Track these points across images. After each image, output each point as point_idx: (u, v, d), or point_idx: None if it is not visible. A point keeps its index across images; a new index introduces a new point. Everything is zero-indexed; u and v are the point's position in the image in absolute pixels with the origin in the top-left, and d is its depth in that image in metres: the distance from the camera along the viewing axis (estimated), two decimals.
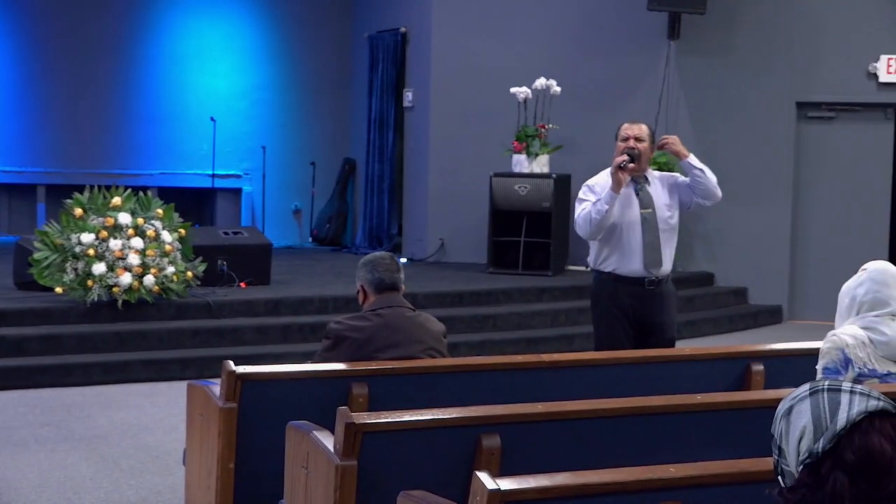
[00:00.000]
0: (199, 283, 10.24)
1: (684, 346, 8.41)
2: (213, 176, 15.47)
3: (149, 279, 9.65)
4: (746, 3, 12.91)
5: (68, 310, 9.65)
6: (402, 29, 14.25)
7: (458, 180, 13.22)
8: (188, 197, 14.71)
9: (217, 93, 15.69)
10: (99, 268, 9.47)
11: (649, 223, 6.62)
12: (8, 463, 6.95)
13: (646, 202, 6.66)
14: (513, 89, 12.53)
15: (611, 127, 12.76)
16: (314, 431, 4.12)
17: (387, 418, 3.95)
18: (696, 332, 11.72)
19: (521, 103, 12.56)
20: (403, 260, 12.90)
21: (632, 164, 6.53)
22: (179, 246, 10.05)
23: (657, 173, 6.88)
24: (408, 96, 14.17)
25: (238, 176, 15.85)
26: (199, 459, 5.17)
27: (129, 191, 10.03)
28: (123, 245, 9.60)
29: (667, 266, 6.71)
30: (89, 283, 9.49)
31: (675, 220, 6.75)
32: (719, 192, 6.73)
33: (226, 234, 11.40)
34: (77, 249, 9.53)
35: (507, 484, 3.07)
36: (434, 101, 13.54)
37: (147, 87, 15.62)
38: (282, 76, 16.03)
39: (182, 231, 10.16)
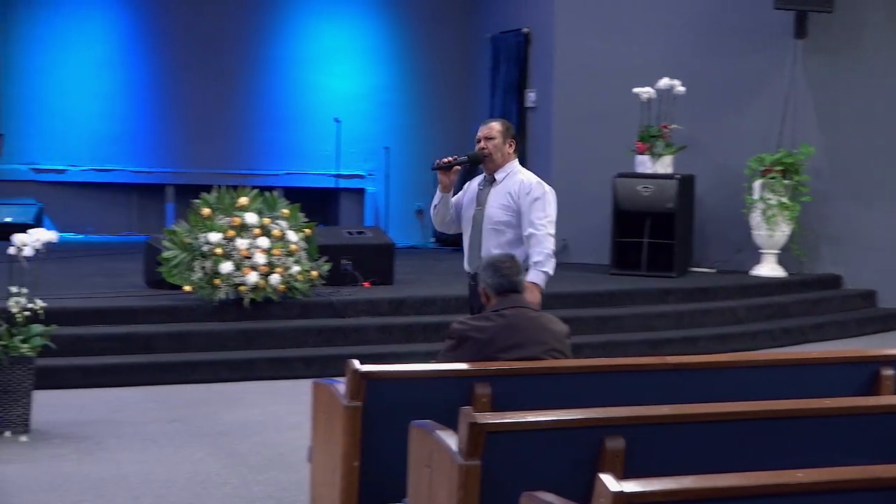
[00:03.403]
0: (323, 282, 10.34)
1: (811, 350, 8.28)
2: (337, 176, 15.63)
3: (274, 278, 9.78)
4: (874, 1, 12.66)
5: (196, 308, 9.82)
6: (525, 29, 14.23)
7: (581, 181, 13.15)
8: (313, 197, 14.84)
9: (341, 94, 15.85)
10: (226, 267, 9.62)
11: (476, 221, 6.72)
12: (137, 458, 7.09)
13: (481, 200, 6.72)
14: (636, 89, 12.43)
15: (736, 127, 12.78)
16: (437, 431, 4.13)
17: (510, 419, 3.94)
18: (824, 335, 11.53)
19: (644, 103, 12.47)
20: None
21: (444, 167, 6.60)
22: (305, 245, 10.16)
23: (518, 179, 6.68)
24: (530, 97, 14.15)
25: (361, 176, 15.99)
26: (324, 457, 5.22)
27: (255, 191, 10.16)
28: (250, 244, 9.73)
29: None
30: (216, 281, 9.64)
31: (504, 220, 6.63)
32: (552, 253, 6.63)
33: (350, 233, 11.49)
34: (205, 248, 9.69)
35: (631, 486, 3.05)
36: (556, 101, 13.50)
37: (273, 88, 15.84)
38: (405, 77, 16.13)
39: (307, 231, 10.26)
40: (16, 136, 15.35)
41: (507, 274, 5.33)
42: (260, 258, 9.73)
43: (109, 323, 9.63)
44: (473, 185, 6.84)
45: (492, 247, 6.57)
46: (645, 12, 13.23)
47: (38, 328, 7.63)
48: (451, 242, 15.53)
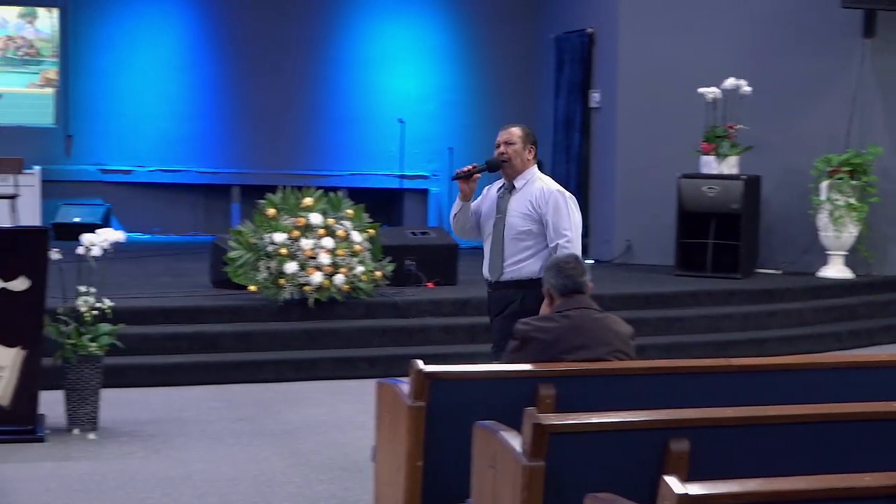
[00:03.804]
0: (387, 282, 10.37)
1: (879, 353, 8.19)
2: (401, 177, 15.67)
3: (339, 278, 9.82)
4: None
5: (261, 307, 9.88)
6: (589, 29, 14.19)
7: (645, 181, 13.10)
8: (377, 198, 14.89)
9: (405, 95, 15.89)
10: (291, 267, 9.67)
11: (497, 230, 6.61)
12: (203, 456, 7.15)
13: (501, 208, 6.62)
14: (701, 89, 12.36)
15: (803, 127, 12.67)
16: (501, 432, 4.13)
17: (574, 420, 3.94)
18: (892, 337, 11.47)
19: (709, 103, 12.39)
20: (589, 261, 12.81)
21: (463, 176, 6.54)
22: (369, 246, 10.19)
23: (538, 186, 6.57)
24: (594, 97, 14.11)
25: (425, 177, 16.02)
26: (388, 457, 5.24)
27: (319, 191, 10.22)
28: (314, 244, 9.78)
29: (511, 273, 6.56)
30: (281, 281, 9.70)
31: (525, 229, 6.52)
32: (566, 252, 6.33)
33: (413, 234, 11.53)
34: (270, 249, 9.75)
35: (696, 489, 3.03)
36: (621, 101, 13.45)
37: (337, 89, 15.92)
38: (468, 78, 16.14)
39: (371, 231, 10.30)
40: (84, 137, 15.55)
41: (572, 275, 5.32)
42: (324, 258, 9.77)
43: (176, 322, 9.72)
44: (493, 191, 6.75)
45: (513, 255, 6.52)
46: (710, 12, 13.14)
47: (105, 327, 7.73)
48: None
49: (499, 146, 6.64)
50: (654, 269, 12.72)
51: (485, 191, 6.82)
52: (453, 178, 6.66)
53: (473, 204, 6.74)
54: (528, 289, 6.40)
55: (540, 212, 6.48)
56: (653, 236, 13.09)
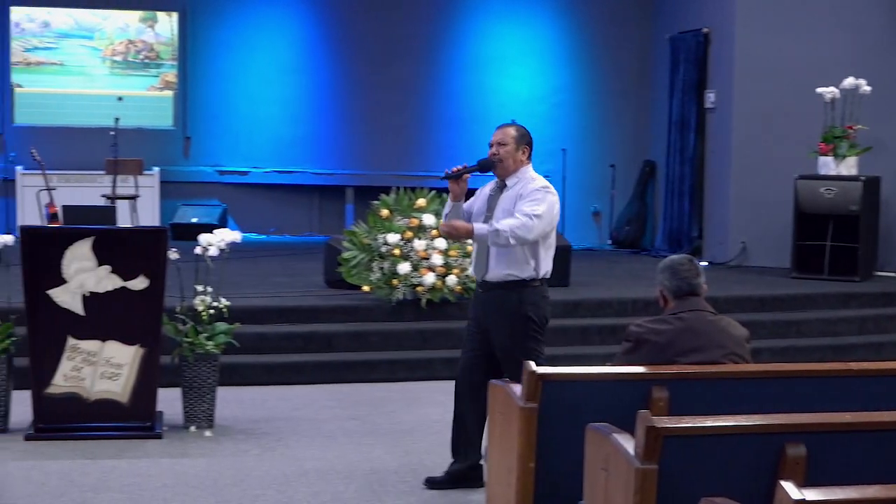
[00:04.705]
0: None
1: None
2: None
3: (451, 279, 9.85)
4: None
5: (374, 308, 9.95)
6: (705, 29, 14.06)
7: (761, 182, 12.95)
8: None
9: (517, 96, 15.89)
10: (404, 267, 9.73)
11: None
12: (317, 454, 7.22)
13: (490, 207, 6.48)
14: (819, 89, 12.17)
15: None
16: (614, 434, 4.12)
17: (688, 423, 3.90)
18: None
19: (827, 104, 12.20)
20: (704, 263, 12.72)
21: (453, 176, 6.39)
22: None
23: (529, 184, 6.41)
24: (709, 97, 13.98)
25: None
26: (500, 457, 5.25)
27: (432, 192, 10.25)
28: (427, 245, 9.83)
29: (495, 273, 6.42)
30: (394, 282, 9.76)
31: None
32: (517, 240, 6.25)
33: None
34: (383, 249, 9.82)
35: (813, 494, 3.00)
36: (736, 101, 13.31)
37: (450, 90, 15.97)
38: (581, 79, 16.09)
39: None
40: (202, 138, 15.80)
41: (686, 277, 5.28)
42: (437, 259, 9.81)
43: (291, 322, 9.83)
44: (486, 190, 6.63)
45: (499, 255, 6.40)
46: (828, 10, 12.94)
47: (222, 326, 7.84)
48: (628, 245, 15.46)
49: (492, 146, 6.51)
50: (770, 271, 12.57)
51: (479, 191, 6.70)
52: (442, 178, 6.48)
53: (466, 203, 6.62)
54: (519, 291, 6.33)
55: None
56: (768, 238, 12.94)
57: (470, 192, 6.61)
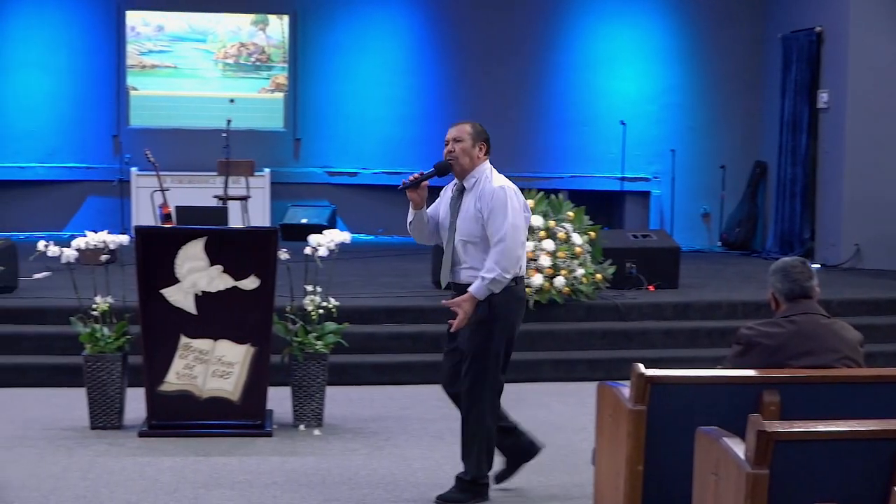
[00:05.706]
0: (607, 285, 10.34)
1: None
2: (623, 179, 15.59)
3: (559, 280, 9.83)
4: None
5: None
6: (818, 28, 13.87)
7: (875, 183, 12.75)
8: (597, 200, 14.83)
9: (627, 97, 15.82)
10: None
11: (450, 234, 6.25)
12: (425, 454, 7.25)
13: (453, 211, 6.25)
14: None
15: None
16: (724, 438, 4.08)
17: (800, 427, 3.86)
18: None
19: None
20: (816, 265, 12.55)
21: (410, 186, 6.20)
22: (589, 248, 10.17)
23: (487, 187, 6.14)
24: (822, 97, 13.78)
25: (647, 179, 15.90)
26: (608, 460, 5.22)
27: (541, 193, 10.24)
28: (535, 247, 9.81)
29: (461, 276, 6.25)
30: None
31: (475, 232, 6.13)
32: (511, 270, 6.04)
33: (634, 237, 11.46)
34: None
35: None
36: (850, 101, 13.11)
37: (559, 91, 15.95)
38: (692, 79, 15.96)
39: (592, 234, 10.28)
40: (312, 140, 15.96)
41: (798, 279, 5.21)
42: (545, 260, 9.80)
43: (399, 322, 9.88)
44: (448, 192, 6.42)
45: (465, 261, 6.22)
46: None
47: (331, 326, 7.91)
48: (738, 247, 15.30)
49: (448, 143, 6.29)
50: (885, 274, 12.37)
51: (441, 192, 6.50)
52: (399, 189, 6.29)
53: (431, 208, 6.43)
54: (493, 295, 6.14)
55: (483, 214, 6.13)
56: (883, 240, 12.72)
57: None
